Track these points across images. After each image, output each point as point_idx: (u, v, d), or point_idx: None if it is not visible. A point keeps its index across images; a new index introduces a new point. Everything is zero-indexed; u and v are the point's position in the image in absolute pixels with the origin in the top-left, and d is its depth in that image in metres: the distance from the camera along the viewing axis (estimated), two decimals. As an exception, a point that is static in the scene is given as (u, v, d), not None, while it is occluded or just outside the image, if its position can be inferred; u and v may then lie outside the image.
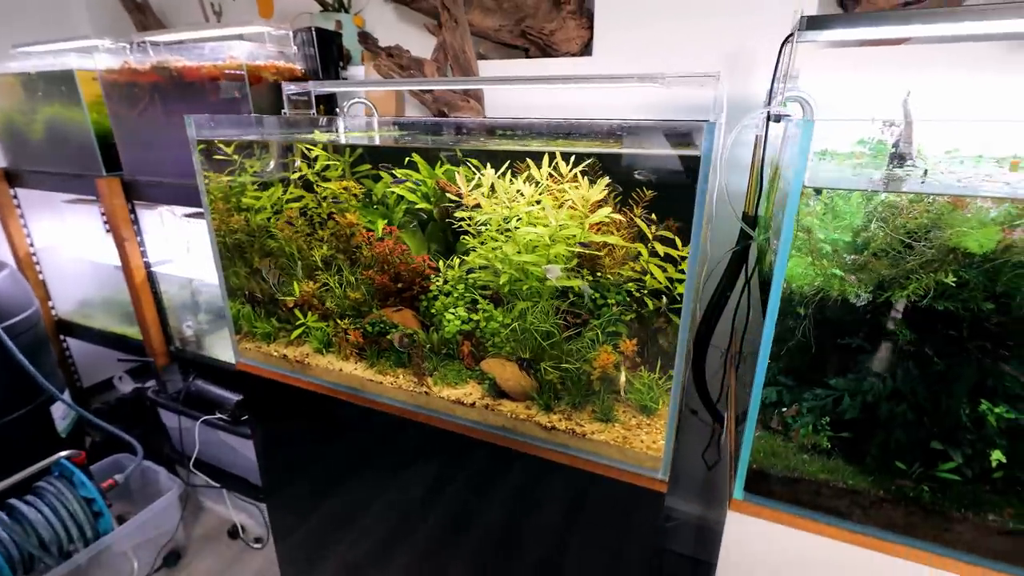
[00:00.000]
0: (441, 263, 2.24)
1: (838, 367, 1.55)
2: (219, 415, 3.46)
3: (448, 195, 2.24)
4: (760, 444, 1.66)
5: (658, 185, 1.85)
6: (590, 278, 2.06)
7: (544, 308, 2.01)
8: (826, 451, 1.60)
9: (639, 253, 2.11)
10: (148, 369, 3.85)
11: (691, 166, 1.57)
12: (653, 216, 1.99)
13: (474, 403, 2.05)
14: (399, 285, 2.26)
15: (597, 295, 2.00)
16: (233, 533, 3.66)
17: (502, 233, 2.08)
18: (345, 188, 2.38)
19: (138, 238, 3.53)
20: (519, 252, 2.00)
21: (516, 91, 2.84)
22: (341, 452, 2.48)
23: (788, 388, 1.63)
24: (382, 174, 2.45)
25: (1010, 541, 1.41)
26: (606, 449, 1.86)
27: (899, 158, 1.66)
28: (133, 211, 3.50)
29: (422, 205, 2.32)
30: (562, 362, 1.97)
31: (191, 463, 3.65)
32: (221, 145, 2.34)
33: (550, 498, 2.04)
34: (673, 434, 1.74)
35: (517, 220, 2.01)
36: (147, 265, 3.56)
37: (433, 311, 2.20)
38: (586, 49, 3.04)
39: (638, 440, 1.85)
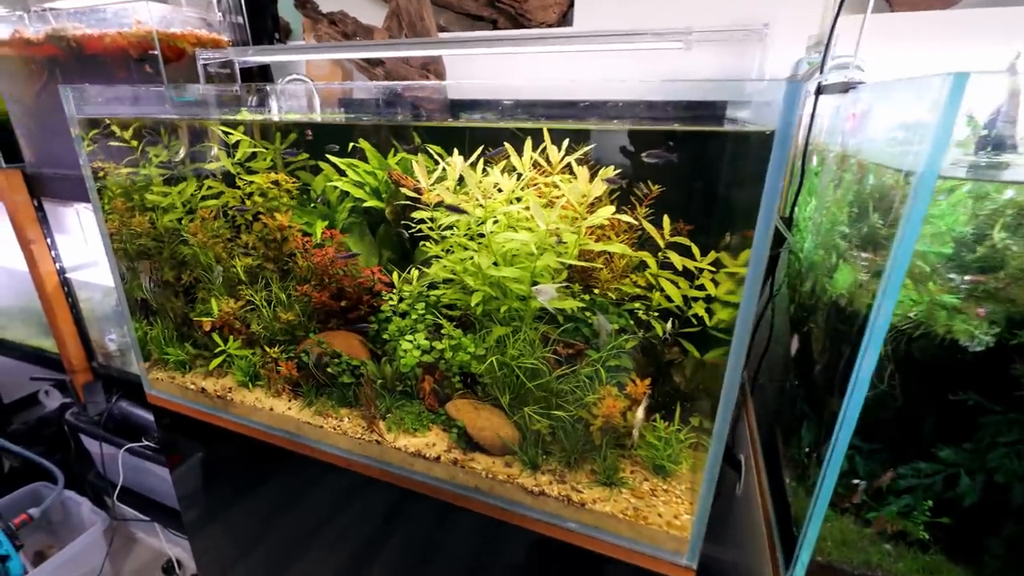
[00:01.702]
0: (395, 276, 1.66)
1: (942, 431, 1.05)
2: (146, 442, 2.82)
3: (404, 190, 1.67)
4: (824, 527, 1.16)
5: (682, 172, 1.32)
6: (585, 297, 1.51)
7: (527, 336, 1.47)
8: (920, 543, 1.10)
9: (641, 264, 1.58)
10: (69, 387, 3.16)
11: (742, 147, 1.04)
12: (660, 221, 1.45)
13: (439, 456, 1.49)
14: (343, 303, 1.68)
15: (612, 324, 1.45)
16: (168, 569, 3.05)
17: (473, 239, 1.52)
18: (274, 182, 1.77)
19: (48, 239, 2.83)
20: (495, 264, 1.44)
21: (486, 66, 2.24)
22: (274, 502, 1.90)
23: (867, 454, 1.12)
24: (322, 165, 1.84)
25: None
26: (612, 524, 1.33)
27: (995, 143, 1.15)
28: (41, 208, 2.79)
29: (372, 203, 1.74)
30: (552, 407, 1.43)
31: (116, 494, 3.00)
32: (113, 127, 1.71)
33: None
34: (708, 509, 1.22)
35: (493, 223, 1.44)
36: (61, 271, 2.87)
37: (386, 336, 1.63)
38: (565, 19, 2.46)
39: (653, 512, 1.32)
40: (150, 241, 1.86)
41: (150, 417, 2.87)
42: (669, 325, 1.42)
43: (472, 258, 1.48)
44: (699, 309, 1.49)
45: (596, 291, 1.54)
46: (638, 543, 1.31)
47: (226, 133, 1.78)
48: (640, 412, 1.34)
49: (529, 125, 1.37)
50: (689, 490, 1.38)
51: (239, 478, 1.93)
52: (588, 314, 1.45)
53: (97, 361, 2.98)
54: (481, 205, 1.40)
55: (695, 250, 1.49)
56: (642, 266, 1.56)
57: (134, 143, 1.82)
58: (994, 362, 1.00)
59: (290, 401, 1.71)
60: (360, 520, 1.68)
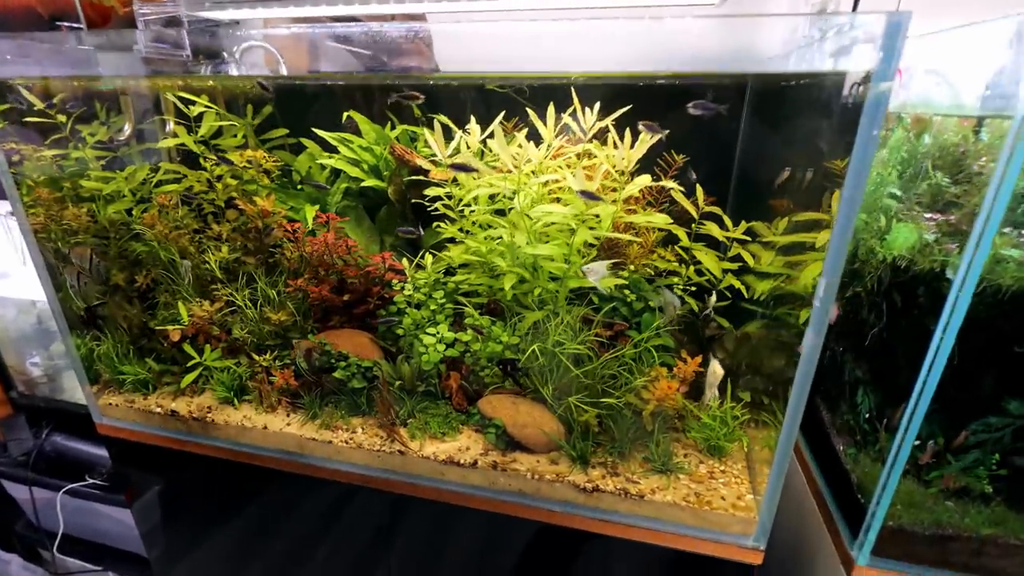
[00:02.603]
0: (405, 263, 1.46)
1: (1003, 386, 1.05)
2: (90, 480, 2.39)
3: (410, 166, 1.47)
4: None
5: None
6: (623, 274, 1.40)
7: (564, 320, 1.33)
8: (983, 497, 1.10)
9: (669, 238, 1.49)
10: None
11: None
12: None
13: (475, 461, 1.33)
14: (346, 297, 1.45)
15: (652, 299, 1.35)
16: (128, 624, 2.61)
17: (502, 214, 1.35)
18: (249, 161, 1.50)
19: (-64, 246, 2.31)
20: (529, 242, 1.29)
21: (480, 35, 2.06)
22: (273, 533, 1.64)
23: (927, 416, 1.10)
24: (305, 142, 1.59)
25: None
26: (674, 513, 1.24)
27: None
28: (-77, 208, 2.27)
29: (370, 182, 1.52)
30: (597, 394, 1.31)
31: (55, 544, 2.53)
32: (24, 92, 1.36)
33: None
34: (779, 487, 1.15)
35: (525, 196, 1.29)
36: (-45, 285, 2.35)
37: (400, 332, 1.43)
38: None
39: (716, 496, 1.24)
40: (90, 238, 1.52)
41: (96, 450, 2.44)
42: (713, 299, 1.34)
43: (500, 237, 1.32)
44: (733, 280, 1.44)
45: (625, 267, 1.43)
46: (703, 530, 1.23)
47: (187, 104, 1.48)
48: (718, 368, 1.24)
49: (559, 75, 1.23)
50: (746, 469, 1.32)
51: (225, 510, 1.64)
52: (626, 292, 1.35)
53: (17, 391, 2.47)
54: (512, 171, 1.24)
55: (727, 220, 1.43)
56: (670, 240, 1.48)
57: (61, 118, 1.47)
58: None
59: (288, 416, 1.46)
60: (386, 543, 1.47)
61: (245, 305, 1.43)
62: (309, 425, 1.43)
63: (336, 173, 1.55)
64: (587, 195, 1.15)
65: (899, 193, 1.16)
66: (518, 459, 1.33)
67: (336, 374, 1.39)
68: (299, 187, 1.57)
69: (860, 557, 1.18)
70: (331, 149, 1.54)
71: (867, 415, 1.21)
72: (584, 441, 1.30)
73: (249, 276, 1.47)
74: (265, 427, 1.43)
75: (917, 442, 1.15)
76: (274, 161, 1.50)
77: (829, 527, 1.30)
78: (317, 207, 1.50)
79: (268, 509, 1.58)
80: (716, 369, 1.24)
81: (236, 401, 1.46)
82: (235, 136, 1.54)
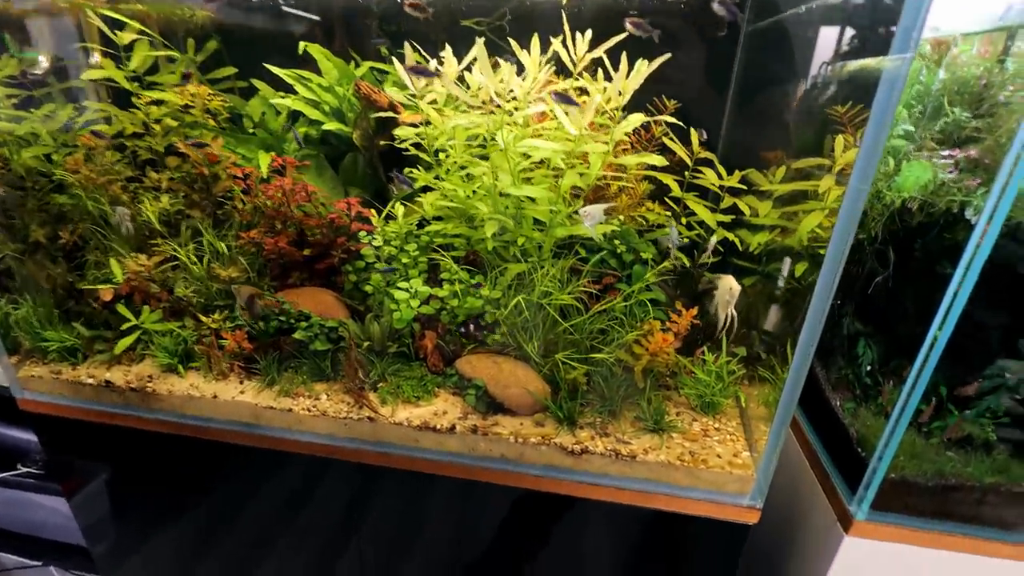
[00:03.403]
0: (374, 214, 1.31)
1: (1015, 331, 0.99)
2: (23, 468, 2.14)
3: (377, 107, 1.31)
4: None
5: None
6: (614, 222, 1.29)
7: (549, 271, 1.22)
8: (984, 446, 1.05)
9: (661, 192, 1.39)
10: None
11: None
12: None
13: (453, 426, 1.20)
14: (306, 252, 1.29)
15: (644, 249, 1.24)
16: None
17: (482, 155, 1.22)
18: (193, 98, 1.31)
19: None
20: (514, 183, 1.16)
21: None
22: (230, 513, 1.47)
23: (941, 364, 1.04)
24: (257, 84, 1.41)
25: None
26: (668, 473, 1.15)
27: None
28: None
29: (332, 126, 1.35)
30: (586, 350, 1.20)
31: (-17, 541, 2.26)
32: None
33: (581, 553, 1.30)
34: (779, 443, 1.08)
35: (508, 134, 1.16)
36: None
37: (369, 288, 1.29)
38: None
39: (712, 454, 1.16)
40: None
41: (24, 435, 2.19)
42: (713, 239, 1.24)
43: (482, 179, 1.19)
44: (726, 233, 1.35)
45: (619, 219, 1.32)
46: (698, 490, 1.14)
47: (113, 31, 1.27)
48: (733, 283, 1.13)
49: None
50: (741, 426, 1.24)
51: (173, 491, 1.46)
52: (616, 242, 1.24)
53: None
54: (493, 107, 1.11)
55: (720, 168, 1.34)
56: (660, 194, 1.38)
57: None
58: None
59: (242, 383, 1.29)
60: (356, 519, 1.33)
61: (187, 260, 1.25)
62: (266, 392, 1.27)
63: (294, 118, 1.38)
64: (562, 98, 1.02)
65: (912, 129, 1.08)
66: (500, 422, 1.21)
67: (296, 335, 1.24)
68: (252, 131, 1.39)
69: (859, 512, 1.12)
70: (288, 90, 1.36)
71: (868, 368, 1.15)
72: (572, 401, 1.19)
73: (195, 230, 1.28)
74: (215, 396, 1.26)
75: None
76: (221, 101, 1.31)
77: (824, 484, 1.24)
78: (272, 155, 1.33)
79: (222, 487, 1.41)
80: (732, 284, 1.13)
81: (181, 368, 1.28)
82: (173, 73, 1.34)
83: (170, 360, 1.28)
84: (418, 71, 1.01)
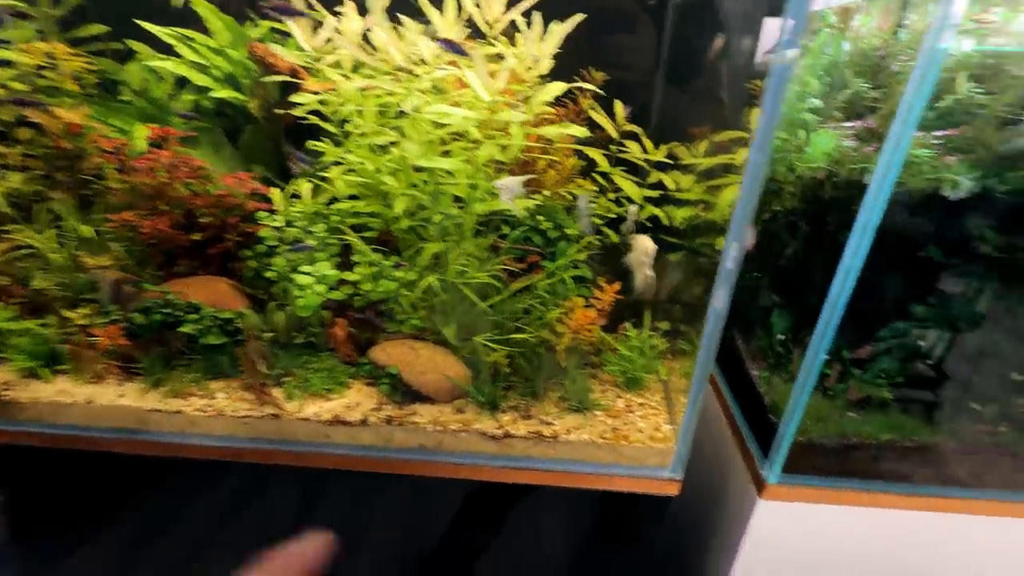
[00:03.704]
0: (276, 193, 1.19)
1: (908, 293, 1.05)
2: None
3: (276, 71, 1.18)
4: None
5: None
6: (536, 197, 1.25)
7: (469, 250, 1.16)
8: (881, 405, 1.11)
9: (592, 165, 1.36)
10: None
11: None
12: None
13: (365, 418, 1.12)
14: (196, 236, 1.16)
15: (572, 227, 1.20)
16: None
17: (393, 126, 1.13)
18: (50, 58, 1.12)
19: None
20: (425, 155, 1.08)
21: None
22: (118, 534, 1.31)
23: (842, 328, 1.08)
24: (133, 45, 1.24)
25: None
26: (590, 452, 1.13)
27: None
28: None
29: (224, 93, 1.21)
30: (508, 332, 1.16)
31: None
32: None
33: (507, 537, 1.25)
34: (695, 412, 1.08)
35: (417, 102, 1.08)
36: None
37: (271, 275, 1.17)
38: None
39: (633, 429, 1.15)
40: None
41: None
42: (635, 208, 1.23)
43: (392, 150, 1.10)
44: (654, 210, 1.34)
45: (544, 194, 1.28)
46: (620, 466, 1.13)
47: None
48: (648, 243, 1.10)
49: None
50: (664, 399, 1.24)
51: (53, 510, 1.27)
52: (540, 218, 1.20)
53: None
54: (402, 71, 1.03)
55: (647, 143, 1.33)
56: (589, 171, 1.35)
57: None
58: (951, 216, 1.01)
59: (121, 385, 1.14)
60: (264, 524, 1.21)
61: (44, 248, 1.08)
62: (152, 394, 1.12)
63: (181, 84, 1.23)
64: (450, 46, 0.95)
65: (820, 104, 1.11)
66: (418, 411, 1.14)
67: (185, 329, 1.10)
68: (128, 101, 1.21)
69: (771, 476, 1.15)
70: (170, 52, 1.20)
71: (780, 336, 1.19)
72: (493, 384, 1.14)
73: (56, 215, 1.11)
74: (90, 401, 1.10)
75: (827, 357, 1.15)
76: (85, 62, 1.14)
77: (742, 450, 1.28)
78: (150, 127, 1.17)
79: (112, 502, 1.25)
80: (647, 245, 1.11)
81: (46, 372, 1.11)
82: (25, 29, 1.15)
83: (31, 363, 1.10)
84: (281, 8, 0.91)
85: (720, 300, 0.97)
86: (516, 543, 1.22)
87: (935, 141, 0.95)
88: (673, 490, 1.15)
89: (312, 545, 0.47)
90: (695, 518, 1.43)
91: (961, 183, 0.89)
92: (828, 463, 1.12)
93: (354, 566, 1.29)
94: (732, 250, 0.94)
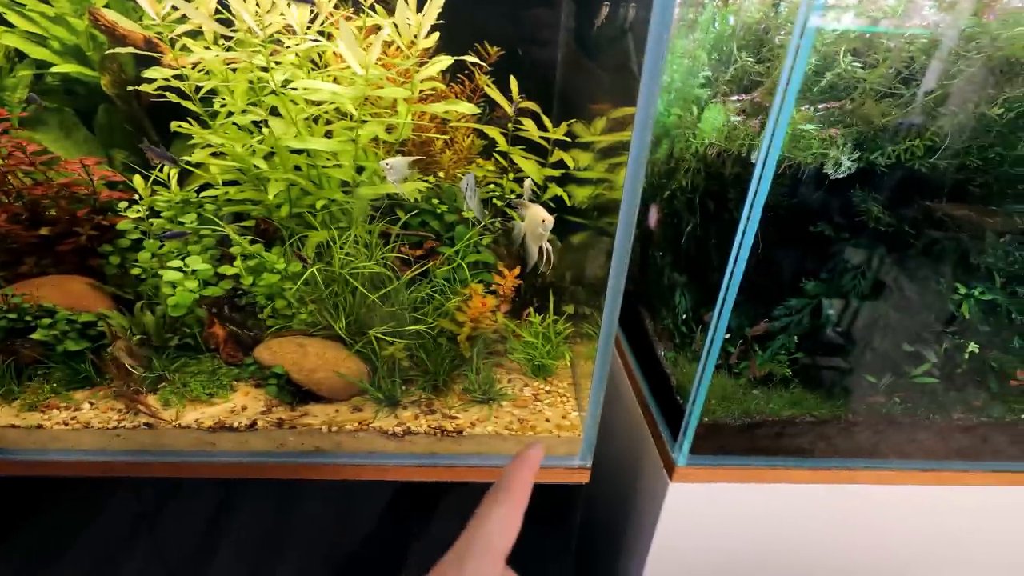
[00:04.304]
0: (138, 180, 1.07)
1: (799, 270, 1.04)
2: None
3: (126, 43, 1.05)
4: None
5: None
6: (430, 179, 1.17)
7: (359, 237, 1.08)
8: (783, 381, 1.11)
9: (494, 145, 1.29)
10: None
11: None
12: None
13: (254, 422, 1.04)
14: (44, 231, 1.03)
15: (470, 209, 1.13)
16: None
17: (257, 105, 1.02)
18: None
19: None
20: (298, 135, 0.99)
21: None
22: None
23: (740, 307, 1.06)
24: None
25: (974, 435, 1.12)
26: (496, 444, 1.09)
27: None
28: None
29: (67, 68, 1.07)
30: (405, 323, 1.09)
31: None
32: None
33: (413, 536, 1.21)
34: (600, 398, 1.05)
35: (288, 75, 0.98)
36: None
37: (138, 271, 1.06)
38: None
39: (540, 419, 1.12)
40: None
41: None
42: (528, 183, 1.17)
43: (262, 130, 1.00)
44: (557, 190, 1.29)
45: (438, 175, 1.21)
46: (529, 457, 1.10)
47: None
48: (539, 212, 1.03)
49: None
50: (572, 385, 1.21)
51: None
52: (435, 201, 1.13)
53: None
54: (273, 41, 0.92)
55: (547, 121, 1.27)
56: (490, 151, 1.28)
57: None
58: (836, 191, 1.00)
59: (-33, 399, 1.02)
60: (147, 544, 1.13)
61: None
62: (6, 409, 1.01)
63: (17, 59, 1.07)
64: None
65: (711, 76, 1.07)
66: (311, 411, 1.07)
67: (36, 335, 0.99)
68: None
69: (680, 458, 1.15)
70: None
71: (684, 316, 1.17)
72: (391, 379, 1.08)
73: None
74: (-73, 421, 0.99)
75: (727, 335, 1.14)
76: None
77: (653, 433, 1.27)
78: (-14, 104, 1.03)
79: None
80: (541, 214, 1.02)
81: None
82: None
83: None
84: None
85: (615, 278, 0.94)
86: (427, 542, 1.18)
87: (818, 115, 0.92)
88: (584, 478, 1.13)
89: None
90: (612, 503, 1.43)
91: (841, 161, 0.87)
92: (735, 442, 1.12)
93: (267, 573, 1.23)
94: (623, 225, 0.90)
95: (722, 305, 0.96)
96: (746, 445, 1.12)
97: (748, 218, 0.88)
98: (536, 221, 1.01)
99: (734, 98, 0.96)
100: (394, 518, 1.17)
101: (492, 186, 1.23)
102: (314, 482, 1.10)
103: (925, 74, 0.83)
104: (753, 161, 0.94)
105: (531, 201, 1.14)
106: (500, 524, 0.50)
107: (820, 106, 0.95)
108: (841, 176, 0.91)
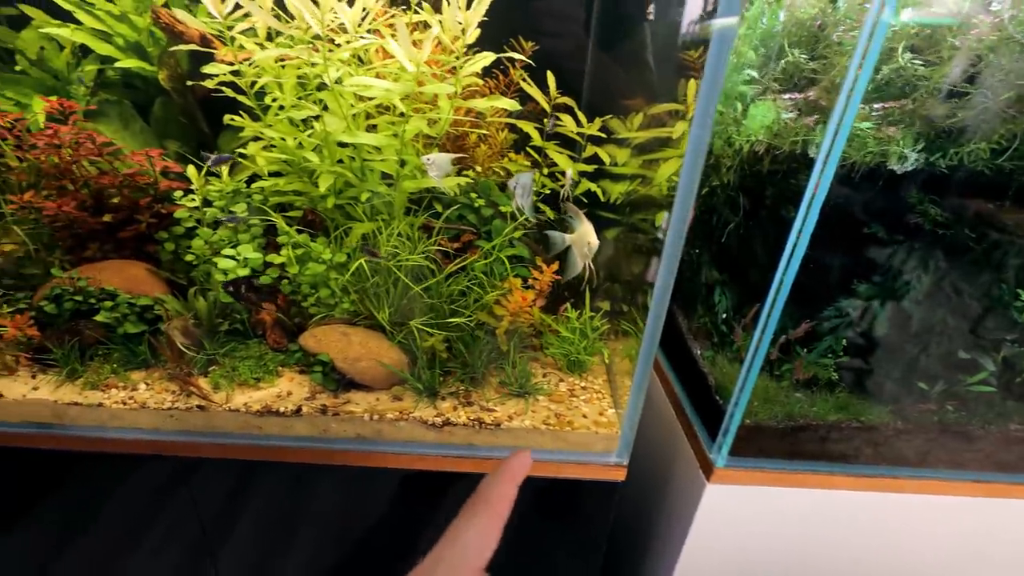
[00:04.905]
0: (192, 171, 1.12)
1: (850, 271, 1.01)
2: None
3: (185, 40, 1.10)
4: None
5: None
6: (469, 173, 1.19)
7: (400, 230, 1.10)
8: (829, 384, 1.09)
9: (525, 140, 1.30)
10: None
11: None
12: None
13: (299, 408, 1.08)
14: (107, 217, 1.09)
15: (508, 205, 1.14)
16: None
17: (310, 100, 1.06)
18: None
19: None
20: (348, 130, 1.02)
21: None
22: (37, 533, 1.27)
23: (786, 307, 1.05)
24: (26, 10, 1.14)
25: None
26: (534, 438, 1.11)
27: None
28: None
29: (129, 63, 1.13)
30: (445, 315, 1.11)
31: None
32: None
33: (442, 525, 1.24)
34: (641, 396, 1.05)
35: (339, 71, 1.00)
36: None
37: (191, 258, 1.11)
38: None
39: (577, 415, 1.13)
40: None
41: None
42: (571, 172, 1.17)
43: (314, 125, 1.03)
44: (590, 185, 1.29)
45: (474, 169, 1.22)
46: (565, 452, 1.11)
47: None
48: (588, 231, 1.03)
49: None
50: (607, 382, 1.22)
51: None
52: (473, 195, 1.14)
53: None
54: (321, 39, 0.95)
55: (582, 116, 1.26)
56: (522, 145, 1.29)
57: None
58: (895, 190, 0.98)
59: (34, 377, 1.09)
60: (197, 519, 1.19)
61: (-57, 231, 1.01)
62: (67, 387, 1.08)
63: (82, 54, 1.13)
64: None
65: (756, 75, 1.06)
66: (353, 399, 1.11)
67: (99, 317, 1.05)
68: (20, 70, 1.12)
69: (719, 459, 1.14)
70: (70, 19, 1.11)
71: (724, 315, 1.16)
72: (431, 370, 1.11)
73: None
74: (0, 395, 1.06)
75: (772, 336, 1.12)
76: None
77: (688, 433, 1.26)
78: (52, 98, 1.09)
79: (29, 501, 1.21)
80: (591, 238, 1.02)
81: (-51, 366, 1.06)
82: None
83: (-67, 357, 1.05)
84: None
85: (664, 279, 0.93)
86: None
87: (875, 114, 0.90)
88: (620, 475, 1.13)
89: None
90: (643, 504, 1.43)
91: (907, 155, 0.84)
92: (776, 445, 1.10)
93: (297, 558, 1.28)
94: (676, 227, 0.89)
95: (772, 305, 0.95)
96: (787, 448, 1.11)
97: (805, 218, 0.86)
98: (583, 241, 1.02)
99: (786, 96, 0.95)
100: (428, 507, 1.20)
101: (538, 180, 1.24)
102: (349, 468, 1.14)
103: (994, 73, 0.80)
104: (806, 159, 0.92)
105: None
106: (476, 539, 0.47)
107: (876, 106, 0.93)
108: (898, 174, 0.89)
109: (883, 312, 0.98)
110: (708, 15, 1.09)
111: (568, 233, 1.05)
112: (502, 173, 1.22)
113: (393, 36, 0.99)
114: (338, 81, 0.99)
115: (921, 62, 0.88)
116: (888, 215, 0.94)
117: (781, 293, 0.95)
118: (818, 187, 0.84)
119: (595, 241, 1.08)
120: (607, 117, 1.24)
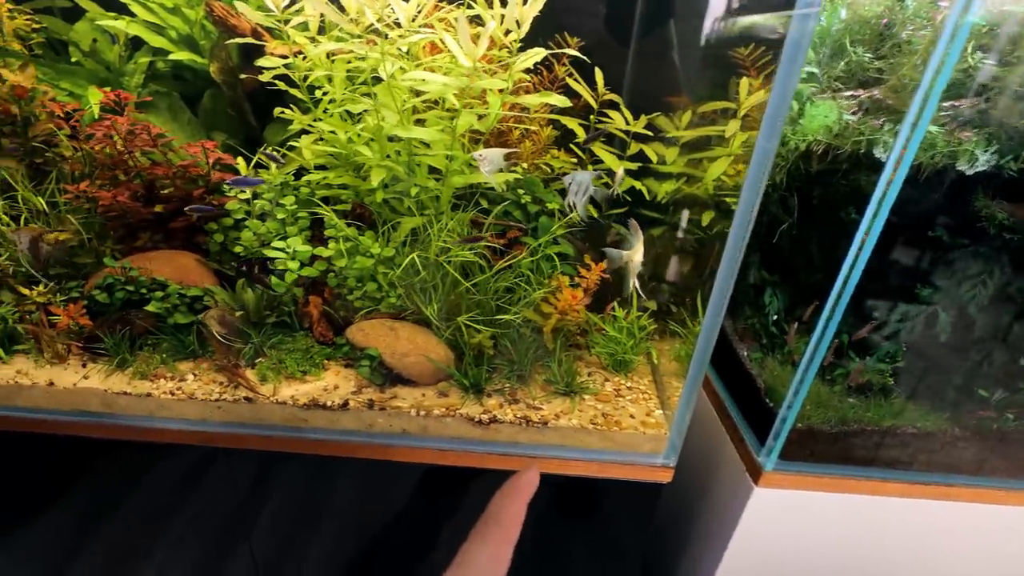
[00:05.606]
0: (241, 162, 1.13)
1: (912, 274, 1.00)
2: None
3: (237, 33, 1.11)
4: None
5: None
6: (517, 169, 1.19)
7: (448, 225, 1.10)
8: (883, 390, 1.07)
9: (566, 136, 1.30)
10: None
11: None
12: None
13: (346, 402, 1.08)
14: (158, 208, 1.10)
15: (552, 200, 1.14)
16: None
17: (364, 96, 1.06)
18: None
19: None
20: (401, 124, 1.02)
21: None
22: (94, 521, 1.29)
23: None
24: (82, 3, 1.15)
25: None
26: (581, 438, 1.10)
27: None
28: None
29: (182, 55, 1.14)
30: (491, 311, 1.11)
31: None
32: None
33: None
34: (692, 398, 1.05)
35: (394, 66, 1.01)
36: None
37: (239, 250, 1.12)
38: None
39: (625, 415, 1.12)
40: None
41: None
42: (621, 171, 1.16)
43: (366, 118, 1.04)
44: (633, 182, 1.28)
45: (522, 167, 1.22)
46: (612, 452, 1.11)
47: None
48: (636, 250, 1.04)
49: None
50: (652, 383, 1.21)
51: (15, 498, 1.26)
52: (520, 192, 1.14)
53: None
54: (379, 33, 0.95)
55: (627, 113, 1.26)
56: (564, 141, 1.29)
57: None
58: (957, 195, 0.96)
59: (84, 366, 1.10)
60: (240, 512, 1.20)
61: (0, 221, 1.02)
62: (117, 376, 1.09)
63: (137, 48, 1.15)
64: None
65: (815, 71, 1.05)
66: (399, 394, 1.11)
67: (150, 307, 1.06)
68: (75, 62, 1.14)
69: (768, 463, 1.13)
70: (124, 12, 1.12)
71: (775, 317, 1.15)
72: (477, 367, 1.11)
73: (4, 184, 1.05)
74: (51, 383, 1.07)
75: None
76: (31, 21, 1.06)
77: (732, 436, 1.25)
78: (107, 88, 1.10)
79: (78, 488, 1.23)
80: (640, 250, 1.03)
81: (2, 352, 1.07)
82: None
83: (-13, 345, 1.06)
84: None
85: (721, 288, 0.92)
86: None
87: (943, 115, 0.89)
88: (666, 477, 1.13)
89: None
90: (683, 506, 1.42)
91: (978, 157, 0.83)
92: (827, 450, 1.09)
93: (336, 549, 1.29)
94: (739, 233, 0.88)
95: (833, 308, 0.94)
96: (841, 454, 1.09)
97: (873, 220, 0.85)
98: (638, 259, 1.01)
99: (847, 94, 0.94)
100: (470, 503, 1.20)
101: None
102: (392, 464, 1.14)
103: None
104: (871, 160, 0.91)
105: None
106: (488, 564, 0.45)
107: (945, 104, 0.92)
108: (965, 176, 0.88)
109: (946, 317, 0.97)
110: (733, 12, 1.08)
111: (624, 249, 1.04)
112: (547, 170, 1.22)
113: (447, 31, 1.00)
114: (392, 76, 1.00)
115: (993, 62, 0.87)
116: (953, 218, 0.93)
117: (843, 296, 0.94)
118: (888, 189, 0.83)
119: (639, 259, 1.07)
120: (654, 115, 1.24)
